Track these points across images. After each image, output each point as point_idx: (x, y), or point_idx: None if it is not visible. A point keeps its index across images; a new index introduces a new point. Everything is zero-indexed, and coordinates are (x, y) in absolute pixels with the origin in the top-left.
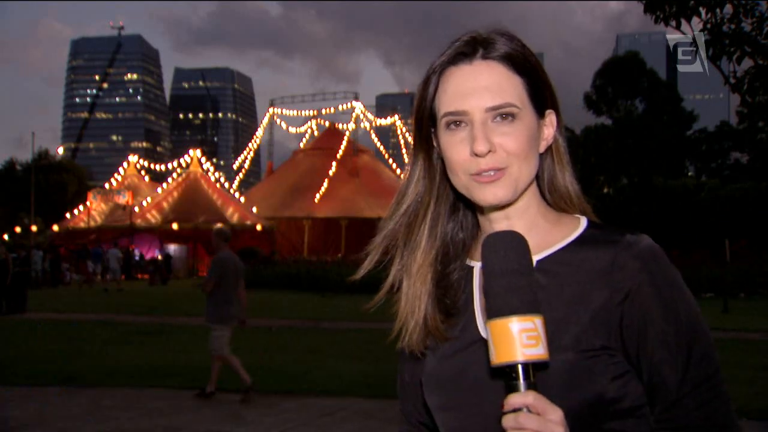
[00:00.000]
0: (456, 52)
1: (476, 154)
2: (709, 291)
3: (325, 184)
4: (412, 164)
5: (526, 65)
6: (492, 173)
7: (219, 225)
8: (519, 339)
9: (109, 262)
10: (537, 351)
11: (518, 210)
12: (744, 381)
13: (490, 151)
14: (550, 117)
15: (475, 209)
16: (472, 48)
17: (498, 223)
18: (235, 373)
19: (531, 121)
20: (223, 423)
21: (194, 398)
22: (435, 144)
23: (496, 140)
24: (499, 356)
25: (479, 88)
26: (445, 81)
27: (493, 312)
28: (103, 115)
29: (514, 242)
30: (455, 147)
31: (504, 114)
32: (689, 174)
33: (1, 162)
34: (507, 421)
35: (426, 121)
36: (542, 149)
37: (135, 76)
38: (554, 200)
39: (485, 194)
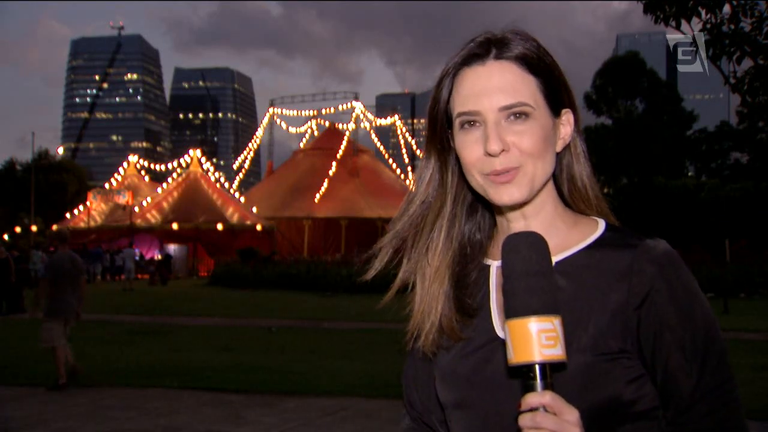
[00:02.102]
0: (469, 53)
1: (489, 154)
2: (709, 291)
3: (325, 184)
4: (424, 165)
5: (540, 65)
6: (507, 173)
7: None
8: (537, 339)
9: (125, 262)
10: (555, 351)
11: (534, 209)
12: (744, 381)
13: (503, 151)
14: (567, 116)
15: (492, 209)
16: (486, 48)
17: (515, 222)
18: (55, 364)
19: (545, 120)
20: (223, 423)
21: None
22: (452, 145)
23: (509, 139)
24: (517, 356)
25: (492, 88)
26: (459, 82)
27: (512, 312)
28: (103, 115)
29: (535, 243)
30: (469, 147)
31: (517, 113)
32: (689, 174)
33: (1, 162)
34: (524, 420)
35: (441, 123)
36: (559, 148)
37: (135, 76)
38: (573, 200)
39: (500, 195)
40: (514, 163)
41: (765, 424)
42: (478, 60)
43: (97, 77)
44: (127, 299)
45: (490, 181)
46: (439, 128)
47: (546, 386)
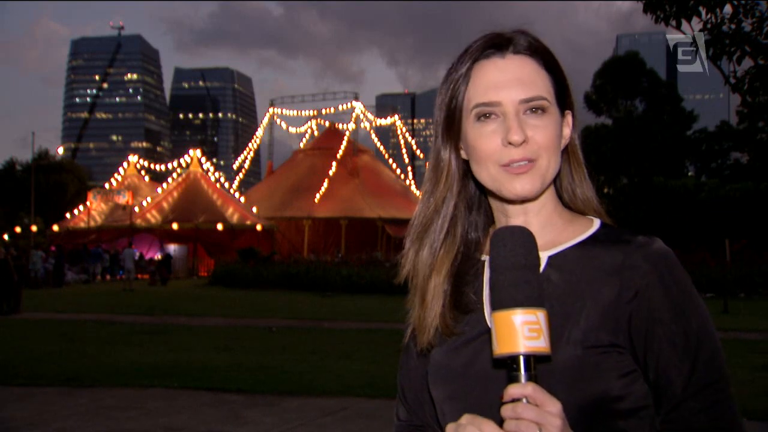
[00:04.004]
0: (488, 45)
1: (510, 143)
2: (709, 291)
3: (325, 184)
4: (436, 162)
5: (553, 63)
6: (524, 163)
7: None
8: (521, 331)
9: (125, 262)
10: (538, 343)
11: (536, 206)
12: (744, 381)
13: (524, 142)
14: (568, 117)
15: (490, 206)
16: (505, 41)
17: (515, 218)
18: None
19: (557, 117)
20: (223, 423)
21: (191, 398)
22: (459, 140)
23: (528, 132)
24: (501, 347)
25: (512, 80)
26: (477, 74)
27: (497, 304)
28: (103, 115)
29: (522, 237)
30: (486, 138)
31: (535, 107)
32: (689, 174)
33: (1, 162)
34: (505, 410)
35: (458, 116)
36: (561, 147)
37: (135, 76)
38: (570, 199)
39: (515, 186)
40: (532, 155)
41: (765, 424)
42: (497, 52)
43: (97, 77)
44: (127, 299)
45: (505, 172)
46: (456, 122)
47: (530, 378)
